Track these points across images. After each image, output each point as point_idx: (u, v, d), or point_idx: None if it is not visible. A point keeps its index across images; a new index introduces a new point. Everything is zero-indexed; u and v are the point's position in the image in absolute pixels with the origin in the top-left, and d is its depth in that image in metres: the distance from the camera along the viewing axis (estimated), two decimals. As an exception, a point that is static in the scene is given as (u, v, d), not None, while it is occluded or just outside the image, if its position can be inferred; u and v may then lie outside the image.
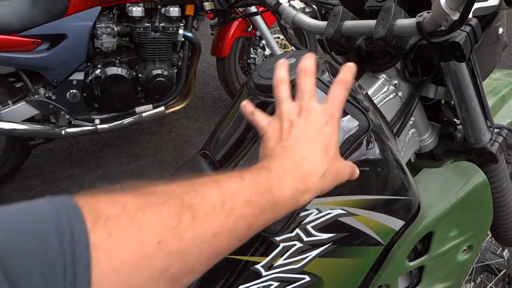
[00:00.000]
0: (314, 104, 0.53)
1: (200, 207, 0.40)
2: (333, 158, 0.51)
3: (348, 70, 0.55)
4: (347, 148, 0.57)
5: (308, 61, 0.56)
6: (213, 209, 0.40)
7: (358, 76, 0.81)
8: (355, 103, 0.57)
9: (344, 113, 0.57)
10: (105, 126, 2.22)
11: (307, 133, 0.51)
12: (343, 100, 0.54)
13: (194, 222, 0.38)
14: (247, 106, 0.59)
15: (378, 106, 0.74)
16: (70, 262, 0.31)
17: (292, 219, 0.57)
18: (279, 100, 0.55)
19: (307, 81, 0.55)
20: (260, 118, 0.57)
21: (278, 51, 2.40)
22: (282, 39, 2.63)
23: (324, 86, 0.59)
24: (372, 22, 0.66)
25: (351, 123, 0.57)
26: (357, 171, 0.56)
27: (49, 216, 0.32)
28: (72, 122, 2.18)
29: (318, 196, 0.58)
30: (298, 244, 0.60)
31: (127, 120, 2.27)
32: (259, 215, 0.44)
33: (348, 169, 0.54)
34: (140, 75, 2.22)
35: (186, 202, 0.39)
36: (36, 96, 2.08)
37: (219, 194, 0.42)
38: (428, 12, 0.60)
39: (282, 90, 0.56)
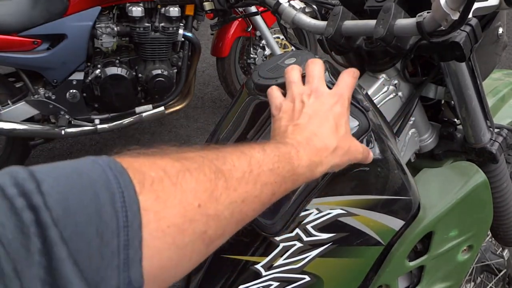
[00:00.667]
0: (323, 86, 0.57)
1: (231, 173, 0.41)
2: (343, 136, 0.54)
3: (353, 71, 0.59)
4: None
5: (316, 59, 0.60)
6: (242, 175, 0.42)
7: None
8: (355, 103, 0.57)
9: None
10: (105, 126, 2.22)
11: (317, 112, 0.54)
12: (352, 85, 0.57)
13: (228, 187, 0.40)
14: (273, 88, 0.60)
15: (378, 106, 0.74)
16: (123, 224, 0.31)
17: (292, 219, 0.57)
18: (290, 83, 0.58)
19: (316, 67, 0.58)
20: (276, 97, 0.59)
21: (278, 51, 2.40)
22: (282, 39, 2.63)
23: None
24: (372, 22, 0.66)
25: (351, 123, 0.57)
26: (371, 155, 0.58)
27: (99, 177, 0.32)
28: (72, 122, 2.17)
29: (318, 196, 0.58)
30: (298, 244, 0.60)
31: (127, 120, 2.27)
32: (281, 183, 0.46)
33: (362, 149, 0.56)
34: (140, 75, 2.22)
35: (218, 168, 0.40)
36: (36, 96, 2.08)
37: (246, 162, 0.43)
38: (428, 12, 0.60)
39: (294, 74, 0.59)
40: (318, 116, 0.54)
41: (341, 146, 0.53)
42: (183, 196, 0.36)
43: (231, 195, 0.40)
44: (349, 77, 0.58)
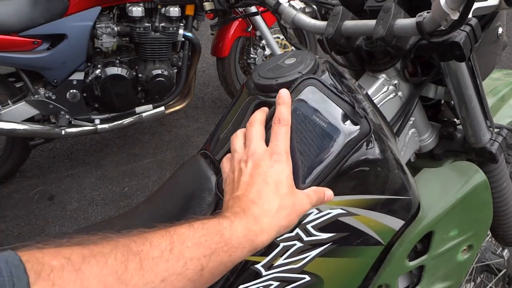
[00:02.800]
0: (259, 147, 0.55)
1: (147, 253, 0.41)
2: (286, 194, 0.52)
3: (284, 104, 0.57)
4: (348, 151, 0.57)
5: (258, 114, 0.59)
6: (160, 254, 0.41)
7: (358, 76, 0.82)
8: (355, 106, 0.57)
9: (345, 117, 0.57)
10: (105, 126, 2.22)
11: (254, 178, 0.53)
12: (286, 136, 0.55)
13: (142, 268, 0.40)
14: (223, 161, 0.60)
15: (378, 106, 0.74)
16: None
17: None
18: (232, 152, 0.58)
19: (251, 130, 0.57)
20: (223, 171, 0.59)
21: (278, 51, 2.40)
22: (282, 39, 2.63)
23: (324, 87, 0.59)
24: (372, 22, 0.66)
25: (352, 127, 0.57)
26: (329, 194, 0.56)
27: None
28: (72, 122, 2.18)
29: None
30: (298, 244, 0.60)
31: (127, 120, 2.27)
32: (211, 256, 0.45)
33: (310, 198, 0.55)
34: (140, 75, 2.22)
35: (133, 249, 0.40)
36: (36, 96, 2.08)
37: (167, 240, 0.43)
38: (428, 12, 0.60)
39: (235, 142, 0.58)
40: (255, 181, 0.52)
41: (284, 206, 0.52)
42: (84, 282, 0.36)
43: (145, 276, 0.40)
44: (279, 128, 0.55)
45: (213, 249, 0.45)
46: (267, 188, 0.52)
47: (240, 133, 0.59)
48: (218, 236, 0.46)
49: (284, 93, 0.58)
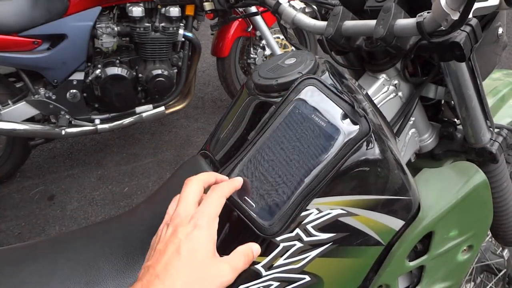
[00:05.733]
0: (183, 211, 0.51)
1: None
2: (198, 268, 0.48)
3: (232, 181, 0.56)
4: (347, 151, 0.57)
5: (202, 174, 0.56)
6: None
7: (358, 76, 0.82)
8: (355, 106, 0.57)
9: (345, 117, 0.57)
10: (105, 126, 2.23)
11: (167, 247, 0.49)
12: (218, 201, 0.52)
13: None
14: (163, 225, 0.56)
15: (378, 106, 0.74)
16: None
17: (290, 221, 0.57)
18: (167, 214, 0.55)
19: (185, 189, 0.54)
20: (157, 234, 0.55)
21: (278, 51, 2.40)
22: (282, 39, 2.63)
23: (323, 87, 0.59)
24: (372, 22, 0.66)
25: (351, 127, 0.57)
26: (255, 248, 0.54)
27: None
28: (72, 122, 2.18)
29: (318, 196, 0.58)
30: (298, 244, 0.60)
31: (127, 120, 2.27)
32: None
33: (234, 264, 0.51)
34: (140, 75, 2.22)
35: None
36: (36, 96, 2.08)
37: None
38: (428, 12, 0.60)
39: (171, 204, 0.56)
40: (166, 251, 0.48)
41: (192, 280, 0.47)
42: None
43: None
44: (214, 191, 0.53)
45: None
46: (176, 259, 0.47)
47: (179, 195, 0.55)
48: None
49: None
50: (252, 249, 0.54)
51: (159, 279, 0.46)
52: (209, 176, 0.57)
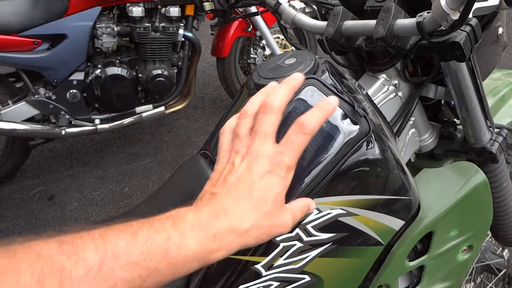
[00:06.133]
0: (264, 148, 0.47)
1: (71, 271, 0.36)
2: (267, 214, 0.46)
3: (319, 108, 0.49)
4: (347, 151, 0.57)
5: (280, 95, 0.50)
6: (86, 273, 0.36)
7: (358, 76, 0.82)
8: (355, 106, 0.57)
9: (344, 116, 0.57)
10: (105, 126, 2.23)
11: (240, 182, 0.46)
12: (301, 147, 0.48)
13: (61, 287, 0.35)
14: (223, 132, 0.54)
15: (378, 106, 0.74)
16: None
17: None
18: (235, 133, 0.51)
19: (264, 119, 0.48)
20: (221, 145, 0.52)
21: (278, 51, 2.40)
22: (282, 39, 2.63)
23: (323, 87, 0.59)
24: (372, 22, 0.66)
25: (351, 127, 0.57)
26: (313, 206, 0.52)
27: None
28: (72, 122, 2.18)
29: (318, 196, 0.58)
30: (298, 244, 0.60)
31: (127, 120, 2.27)
32: (147, 277, 0.40)
33: (295, 215, 0.49)
34: (140, 75, 2.22)
35: (55, 266, 0.35)
36: (36, 96, 2.08)
37: (98, 256, 0.37)
38: (428, 12, 0.60)
39: (242, 122, 0.50)
40: (239, 187, 0.46)
41: (258, 226, 0.45)
42: None
43: None
44: (298, 135, 0.48)
45: (152, 269, 0.40)
46: (247, 201, 0.45)
47: (251, 110, 0.51)
48: (162, 254, 0.40)
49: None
50: (310, 203, 0.51)
51: (226, 214, 0.44)
52: (286, 97, 0.50)
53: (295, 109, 0.58)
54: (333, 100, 0.51)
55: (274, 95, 0.50)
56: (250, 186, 0.46)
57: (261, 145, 0.47)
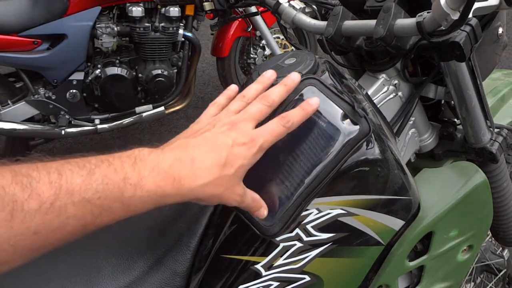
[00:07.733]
0: (246, 126, 0.50)
1: (23, 204, 0.37)
2: (227, 177, 0.47)
3: (302, 110, 0.53)
4: (347, 151, 0.57)
5: (278, 95, 0.54)
6: (39, 207, 0.37)
7: (358, 76, 0.82)
8: (355, 106, 0.57)
9: (345, 117, 0.57)
10: (105, 126, 2.22)
11: (214, 140, 0.48)
12: (277, 137, 0.50)
13: (12, 219, 0.36)
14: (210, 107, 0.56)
15: (378, 106, 0.74)
16: None
17: (290, 221, 0.57)
18: (224, 110, 0.54)
19: (257, 106, 0.52)
20: (208, 112, 0.55)
21: (278, 51, 2.40)
22: (282, 39, 2.63)
23: (323, 87, 0.59)
24: (372, 22, 0.66)
25: (351, 127, 0.57)
26: (262, 211, 0.53)
27: None
28: (72, 122, 2.18)
29: (318, 196, 0.58)
30: (298, 244, 0.60)
31: (127, 120, 2.27)
32: (99, 214, 0.41)
33: (244, 198, 0.50)
34: (140, 75, 2.22)
35: (7, 197, 0.36)
36: (36, 96, 2.08)
37: (52, 190, 0.38)
38: (428, 12, 0.60)
39: (235, 102, 0.54)
40: (211, 143, 0.48)
41: (216, 185, 0.46)
42: None
43: (14, 227, 0.36)
44: (277, 125, 0.50)
45: (105, 208, 0.40)
46: (215, 156, 0.47)
47: (247, 96, 0.54)
48: (117, 194, 0.41)
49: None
50: (262, 206, 0.53)
51: (192, 163, 0.46)
52: (284, 91, 0.55)
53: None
54: (315, 101, 0.54)
55: (276, 93, 0.54)
56: (223, 147, 0.47)
57: (244, 122, 0.50)
